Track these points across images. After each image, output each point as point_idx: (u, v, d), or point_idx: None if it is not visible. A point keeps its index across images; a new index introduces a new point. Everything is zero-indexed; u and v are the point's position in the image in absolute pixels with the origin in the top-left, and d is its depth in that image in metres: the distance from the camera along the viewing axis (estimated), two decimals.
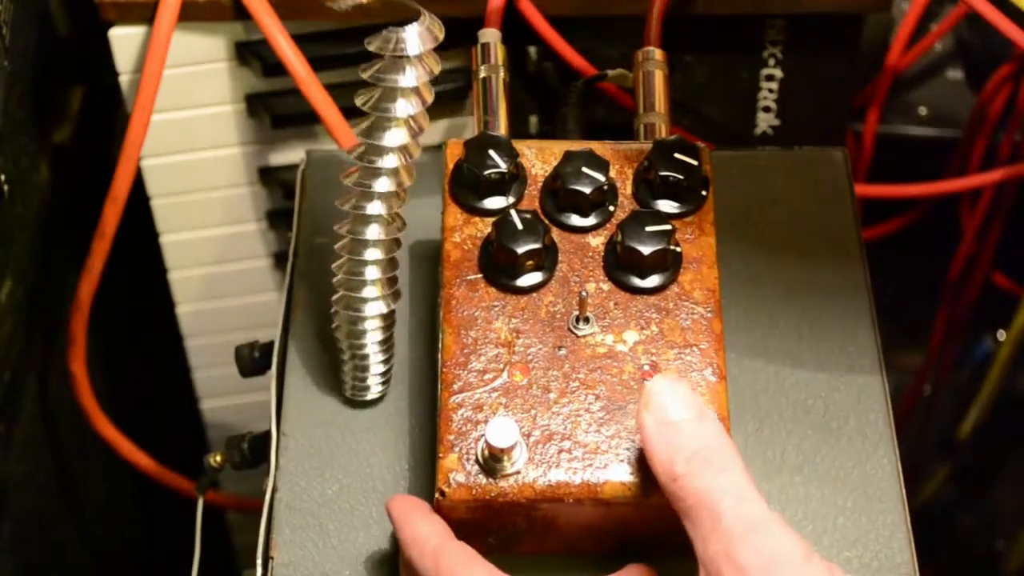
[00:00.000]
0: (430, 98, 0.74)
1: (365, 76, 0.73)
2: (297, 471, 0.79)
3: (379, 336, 0.80)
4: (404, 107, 0.73)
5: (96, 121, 1.15)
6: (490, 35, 0.87)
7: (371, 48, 0.72)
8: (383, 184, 0.75)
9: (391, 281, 0.79)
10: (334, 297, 0.79)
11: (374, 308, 0.78)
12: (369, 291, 0.78)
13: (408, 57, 0.71)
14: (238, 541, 1.28)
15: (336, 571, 0.76)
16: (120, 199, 1.00)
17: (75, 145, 1.12)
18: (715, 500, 0.65)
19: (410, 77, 0.72)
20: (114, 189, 1.00)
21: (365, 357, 0.80)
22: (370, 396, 0.82)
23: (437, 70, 0.73)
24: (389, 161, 0.74)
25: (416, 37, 0.71)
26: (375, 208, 0.76)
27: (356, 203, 0.76)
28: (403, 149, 0.74)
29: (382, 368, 0.81)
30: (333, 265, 0.78)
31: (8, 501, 1.00)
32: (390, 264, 0.78)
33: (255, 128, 1.05)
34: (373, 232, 0.76)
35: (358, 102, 0.74)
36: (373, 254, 0.77)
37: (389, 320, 0.80)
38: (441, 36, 0.73)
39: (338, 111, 0.99)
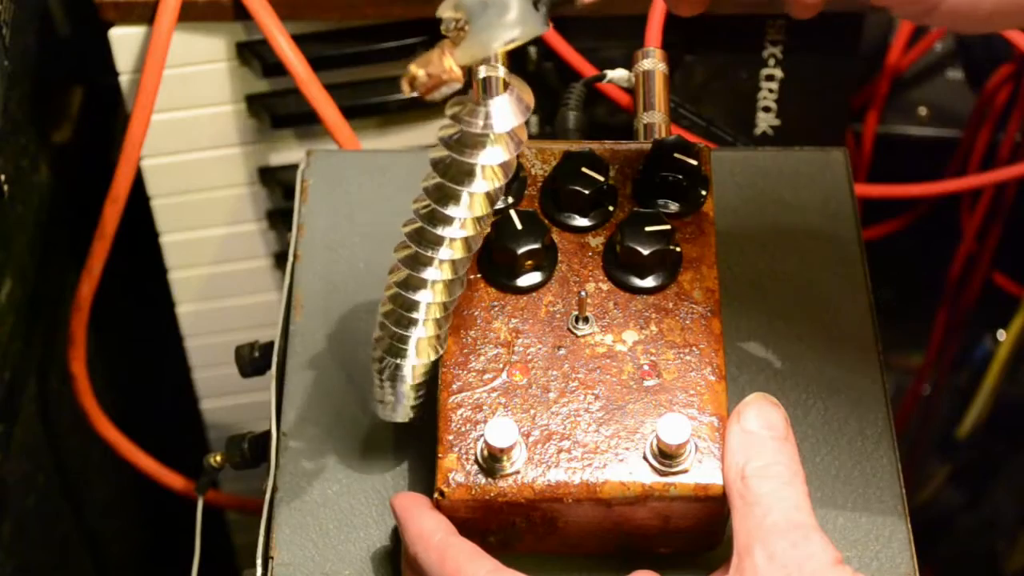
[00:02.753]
0: (514, 167, 0.70)
1: (442, 137, 0.68)
2: (297, 471, 0.79)
3: (421, 379, 0.76)
4: (481, 184, 0.69)
5: (96, 121, 1.15)
6: None
7: (452, 117, 0.67)
8: (433, 274, 0.71)
9: (439, 336, 0.74)
10: (376, 333, 0.74)
11: (418, 357, 0.74)
12: (412, 343, 0.73)
13: (497, 135, 0.67)
14: (238, 541, 1.28)
15: (336, 571, 0.76)
16: (120, 199, 1.00)
17: (75, 145, 1.12)
18: (772, 502, 0.68)
19: (496, 154, 0.67)
20: (114, 189, 1.00)
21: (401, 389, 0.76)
22: (400, 420, 0.78)
23: (525, 138, 0.69)
24: (451, 232, 0.70)
25: (507, 108, 0.66)
26: (431, 274, 0.72)
27: (410, 267, 0.72)
28: (473, 221, 0.70)
29: (418, 397, 0.77)
30: (382, 302, 0.74)
31: (8, 501, 1.00)
32: (444, 318, 0.74)
33: (255, 128, 1.05)
34: (424, 296, 0.72)
35: (431, 157, 0.69)
36: (423, 313, 0.73)
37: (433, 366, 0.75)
38: (532, 103, 0.67)
39: (338, 111, 0.99)
